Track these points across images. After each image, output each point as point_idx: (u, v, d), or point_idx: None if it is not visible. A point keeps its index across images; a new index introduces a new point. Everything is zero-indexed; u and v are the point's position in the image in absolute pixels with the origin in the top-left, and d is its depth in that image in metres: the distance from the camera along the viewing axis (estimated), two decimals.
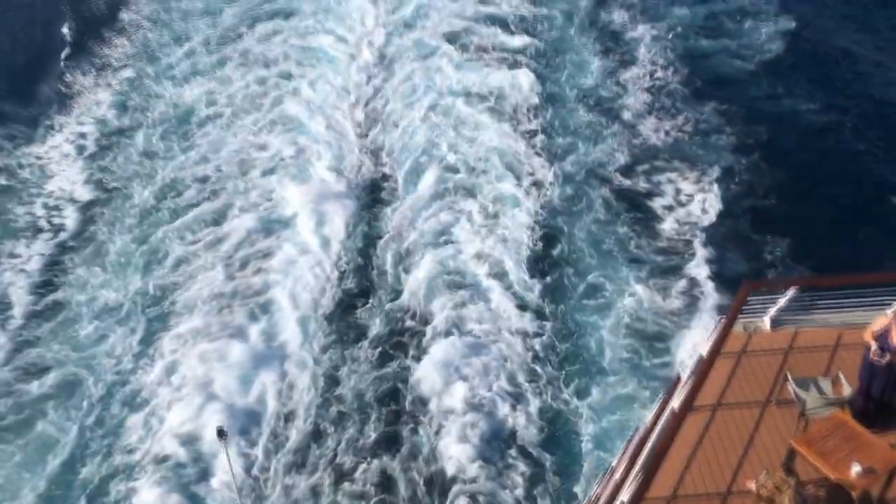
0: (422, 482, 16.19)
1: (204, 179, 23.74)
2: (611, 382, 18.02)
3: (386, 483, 16.21)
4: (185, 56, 29.16)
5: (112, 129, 26.04)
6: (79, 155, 24.82)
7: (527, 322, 19.18)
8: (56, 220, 22.40)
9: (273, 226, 22.15)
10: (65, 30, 30.36)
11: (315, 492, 16.12)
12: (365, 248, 21.54)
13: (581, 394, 17.77)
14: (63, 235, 21.95)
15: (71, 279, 20.75)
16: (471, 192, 22.77)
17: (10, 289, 20.40)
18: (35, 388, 18.21)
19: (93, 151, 25.00)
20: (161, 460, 16.56)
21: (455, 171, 23.51)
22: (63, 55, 29.16)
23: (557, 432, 17.08)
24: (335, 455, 16.71)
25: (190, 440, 16.89)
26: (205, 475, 16.33)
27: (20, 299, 20.16)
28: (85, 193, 23.25)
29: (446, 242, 21.37)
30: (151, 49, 29.73)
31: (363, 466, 16.46)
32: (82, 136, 25.69)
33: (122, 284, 20.67)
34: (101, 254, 21.48)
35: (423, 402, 17.62)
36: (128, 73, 28.59)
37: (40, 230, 22.09)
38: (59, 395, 18.13)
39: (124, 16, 31.43)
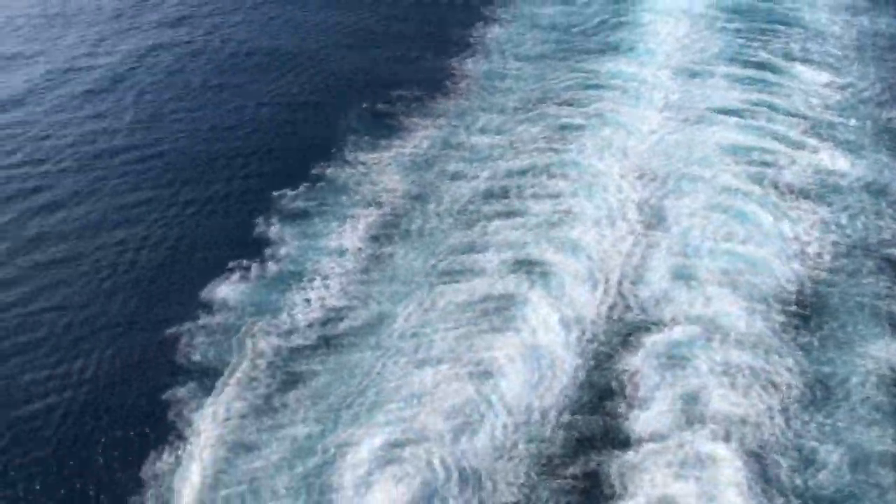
0: None
1: (489, 194, 28.56)
2: (865, 431, 19.23)
3: None
4: (490, 118, 34.67)
5: (426, 154, 31.75)
6: (399, 165, 30.71)
7: (783, 366, 20.98)
8: (380, 201, 28.15)
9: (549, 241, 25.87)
10: (402, 89, 37.18)
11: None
12: (622, 281, 23.99)
13: (835, 440, 19.07)
14: (385, 210, 27.61)
15: (387, 247, 25.93)
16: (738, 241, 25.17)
17: (347, 241, 26.02)
18: (345, 325, 22.85)
19: (409, 164, 30.78)
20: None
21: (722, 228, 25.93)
22: (404, 101, 35.78)
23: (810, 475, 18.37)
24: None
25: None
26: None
27: (354, 249, 25.68)
28: (403, 188, 28.93)
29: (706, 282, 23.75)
30: (463, 110, 35.60)
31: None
32: (403, 154, 31.64)
33: (420, 258, 25.42)
34: (407, 234, 26.64)
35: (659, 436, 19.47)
36: (443, 121, 34.59)
37: (370, 205, 27.92)
38: (364, 333, 22.56)
39: (450, 84, 37.94)
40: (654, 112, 32.88)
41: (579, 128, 32.12)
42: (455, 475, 18.47)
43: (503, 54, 39.85)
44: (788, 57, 36.43)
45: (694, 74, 35.48)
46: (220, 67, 38.73)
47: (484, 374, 20.86)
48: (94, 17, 45.02)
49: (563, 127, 32.31)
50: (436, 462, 18.74)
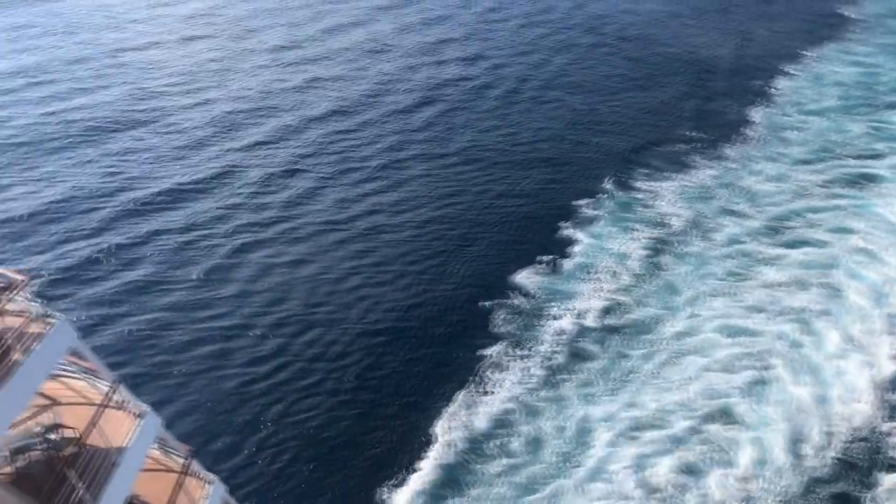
0: None
1: (766, 230, 29.60)
2: None
3: None
4: (772, 166, 35.15)
5: (706, 190, 32.93)
6: (680, 195, 32.28)
7: None
8: (659, 222, 30.40)
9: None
10: (689, 130, 39.09)
11: None
12: None
13: None
14: (663, 229, 29.81)
15: (663, 259, 28.02)
16: None
17: (629, 249, 28.55)
18: (623, 319, 24.95)
19: (689, 196, 32.29)
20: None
21: None
22: (690, 141, 37.74)
23: None
24: None
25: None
26: None
27: (635, 256, 28.10)
28: (681, 214, 30.82)
29: None
30: (746, 156, 36.38)
31: None
32: (684, 187, 33.02)
33: (692, 276, 27.11)
34: (682, 253, 28.45)
35: None
36: (725, 164, 35.61)
37: (650, 223, 30.29)
38: (638, 331, 24.66)
39: (735, 131, 38.83)
40: None
41: (871, 178, 31.91)
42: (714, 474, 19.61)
43: (791, 107, 40.21)
44: None
45: None
46: (510, 99, 43.00)
47: (756, 388, 21.84)
48: (404, 52, 51.80)
49: (853, 176, 32.35)
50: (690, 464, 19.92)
